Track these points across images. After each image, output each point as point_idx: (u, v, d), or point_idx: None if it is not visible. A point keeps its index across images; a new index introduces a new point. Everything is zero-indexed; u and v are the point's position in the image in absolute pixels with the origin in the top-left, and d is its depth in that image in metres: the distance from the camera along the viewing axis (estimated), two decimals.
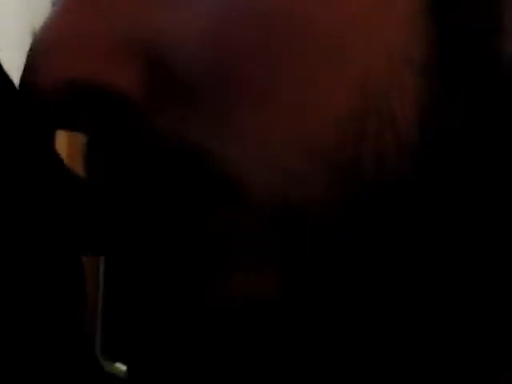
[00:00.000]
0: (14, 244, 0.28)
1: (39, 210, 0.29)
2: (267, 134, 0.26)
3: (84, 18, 0.27)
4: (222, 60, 0.26)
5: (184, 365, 0.29)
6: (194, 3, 0.27)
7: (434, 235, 0.27)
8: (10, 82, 0.30)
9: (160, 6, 0.27)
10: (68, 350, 0.30)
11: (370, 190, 0.26)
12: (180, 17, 0.27)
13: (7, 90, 0.29)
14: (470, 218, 0.26)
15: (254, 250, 0.27)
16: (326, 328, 0.27)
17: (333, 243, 0.27)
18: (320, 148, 0.26)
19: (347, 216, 0.26)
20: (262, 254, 0.27)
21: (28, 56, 0.28)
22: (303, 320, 0.27)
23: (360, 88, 0.26)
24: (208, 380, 0.28)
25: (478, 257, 0.26)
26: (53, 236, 0.29)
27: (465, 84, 0.26)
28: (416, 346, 0.27)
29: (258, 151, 0.26)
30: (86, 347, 0.29)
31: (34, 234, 0.29)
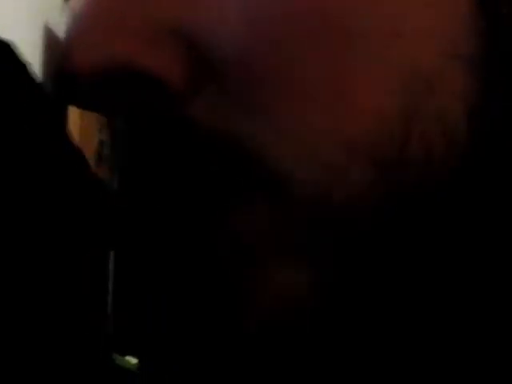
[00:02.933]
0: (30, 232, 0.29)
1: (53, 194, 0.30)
2: (307, 127, 0.26)
3: (119, 3, 0.27)
4: (259, 49, 0.26)
5: (196, 363, 0.29)
6: None
7: (476, 234, 0.26)
8: (26, 70, 0.30)
9: None
10: (83, 344, 0.30)
11: (416, 188, 0.25)
12: (218, 4, 0.26)
13: (23, 77, 0.29)
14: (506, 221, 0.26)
15: (291, 249, 0.27)
16: (348, 332, 0.27)
17: (372, 243, 0.26)
18: (364, 144, 0.25)
19: (390, 216, 0.26)
20: (300, 253, 0.27)
21: (66, 35, 0.27)
22: (325, 324, 0.27)
23: (407, 84, 0.25)
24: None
25: (492, 258, 0.26)
26: (72, 228, 0.29)
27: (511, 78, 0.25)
28: (416, 346, 0.27)
29: (299, 145, 0.26)
30: (101, 341, 0.30)
31: (50, 224, 0.29)
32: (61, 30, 0.28)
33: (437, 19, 0.26)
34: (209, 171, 0.27)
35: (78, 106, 0.29)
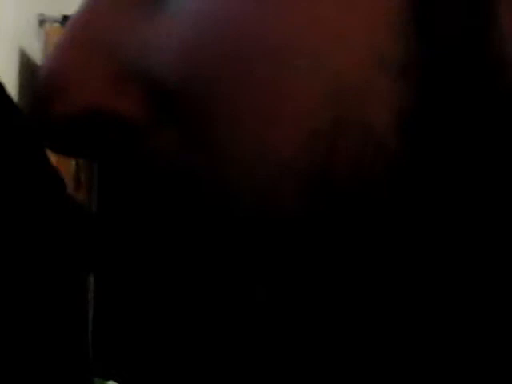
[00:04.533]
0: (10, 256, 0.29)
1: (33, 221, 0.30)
2: (241, 147, 0.26)
3: (83, 54, 0.29)
4: (196, 77, 0.27)
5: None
6: (175, 22, 0.28)
7: (411, 238, 0.26)
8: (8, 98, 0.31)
9: (145, 26, 0.28)
10: (65, 369, 0.30)
11: (342, 197, 0.26)
12: (165, 46, 0.28)
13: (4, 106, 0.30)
14: (450, 223, 0.26)
15: (242, 263, 0.27)
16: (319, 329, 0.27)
17: (307, 252, 0.27)
18: (289, 159, 0.26)
19: (319, 227, 0.26)
20: (250, 268, 0.27)
21: (38, 91, 0.29)
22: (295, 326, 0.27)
23: (332, 96, 0.25)
24: None
25: (471, 258, 0.26)
26: (52, 252, 0.29)
27: (444, 86, 0.25)
28: (416, 346, 0.27)
29: (236, 167, 0.27)
30: (82, 366, 0.30)
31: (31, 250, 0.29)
32: (35, 52, 0.30)
33: (356, 29, 0.25)
34: (173, 196, 0.28)
35: (53, 151, 0.30)
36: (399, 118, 0.25)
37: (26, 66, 2.92)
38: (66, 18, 2.88)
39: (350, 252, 0.26)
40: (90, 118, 0.28)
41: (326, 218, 0.26)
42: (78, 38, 0.29)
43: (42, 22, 3.03)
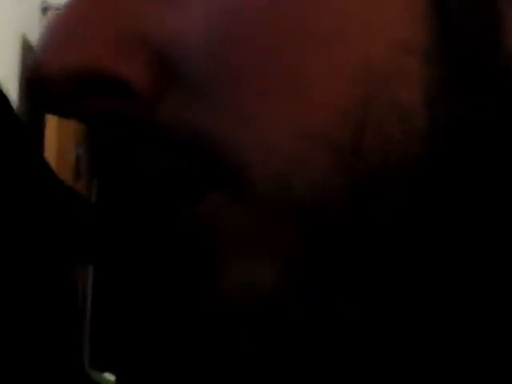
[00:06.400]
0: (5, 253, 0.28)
1: (29, 216, 0.30)
2: (268, 119, 0.27)
3: (93, 11, 0.29)
4: (223, 50, 0.27)
5: (175, 375, 0.29)
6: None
7: (438, 225, 0.27)
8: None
9: (164, 1, 0.28)
10: (57, 361, 0.29)
11: (374, 174, 0.26)
12: (183, 10, 0.28)
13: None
14: (474, 208, 0.26)
15: (252, 241, 0.27)
16: (327, 322, 0.27)
17: (335, 230, 0.27)
18: (322, 133, 0.26)
19: (351, 202, 0.26)
20: (261, 245, 0.27)
21: (40, 42, 0.29)
22: (303, 311, 0.27)
23: (360, 75, 0.26)
24: None
25: (478, 255, 0.26)
26: (45, 246, 0.29)
27: (466, 69, 0.27)
28: (416, 347, 0.27)
29: (260, 137, 0.27)
30: (75, 358, 0.29)
31: (25, 244, 0.29)
32: (38, 39, 0.29)
33: (386, 10, 0.27)
34: (178, 170, 0.28)
35: (54, 113, 0.30)
36: (427, 98, 0.26)
37: (29, 54, 2.92)
38: None
39: (370, 234, 0.26)
40: (90, 78, 0.28)
41: (360, 191, 0.26)
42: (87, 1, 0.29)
43: (45, 9, 3.03)
